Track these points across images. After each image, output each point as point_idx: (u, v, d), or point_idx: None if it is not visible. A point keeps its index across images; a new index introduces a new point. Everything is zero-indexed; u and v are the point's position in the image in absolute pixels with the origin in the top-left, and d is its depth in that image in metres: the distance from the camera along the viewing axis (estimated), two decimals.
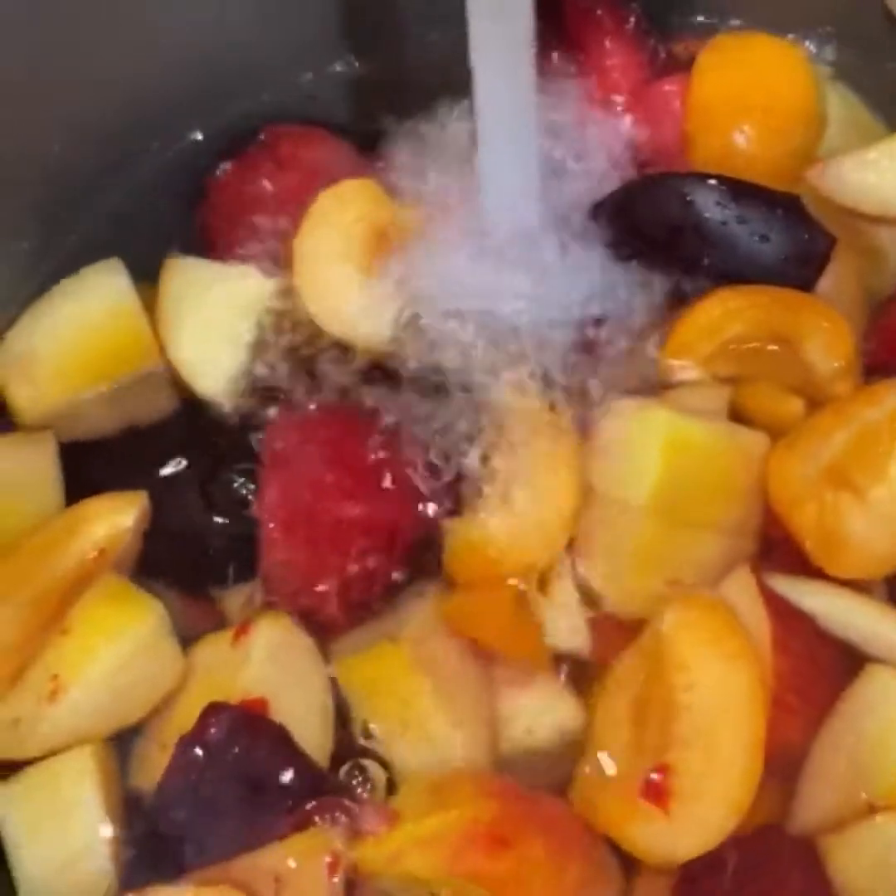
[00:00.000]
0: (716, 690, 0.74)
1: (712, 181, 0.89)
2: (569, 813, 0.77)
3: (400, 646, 0.80)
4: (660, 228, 0.90)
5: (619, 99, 1.01)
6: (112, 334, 0.93)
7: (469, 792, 0.75)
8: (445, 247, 0.92)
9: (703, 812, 0.73)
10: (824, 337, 0.86)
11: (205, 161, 1.02)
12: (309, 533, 0.83)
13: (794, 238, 0.88)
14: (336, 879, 0.74)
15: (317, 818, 0.76)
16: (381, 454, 0.86)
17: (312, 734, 0.80)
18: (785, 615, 0.79)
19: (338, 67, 1.08)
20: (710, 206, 0.88)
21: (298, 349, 0.92)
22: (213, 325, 0.92)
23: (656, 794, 0.73)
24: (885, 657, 0.79)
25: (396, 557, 0.84)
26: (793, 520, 0.82)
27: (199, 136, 1.04)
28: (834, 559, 0.81)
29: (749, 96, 0.98)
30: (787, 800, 0.78)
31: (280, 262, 0.95)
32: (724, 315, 0.87)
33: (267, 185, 0.99)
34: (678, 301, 0.90)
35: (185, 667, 0.82)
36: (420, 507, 0.85)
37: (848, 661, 0.80)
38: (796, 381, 0.88)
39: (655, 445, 0.81)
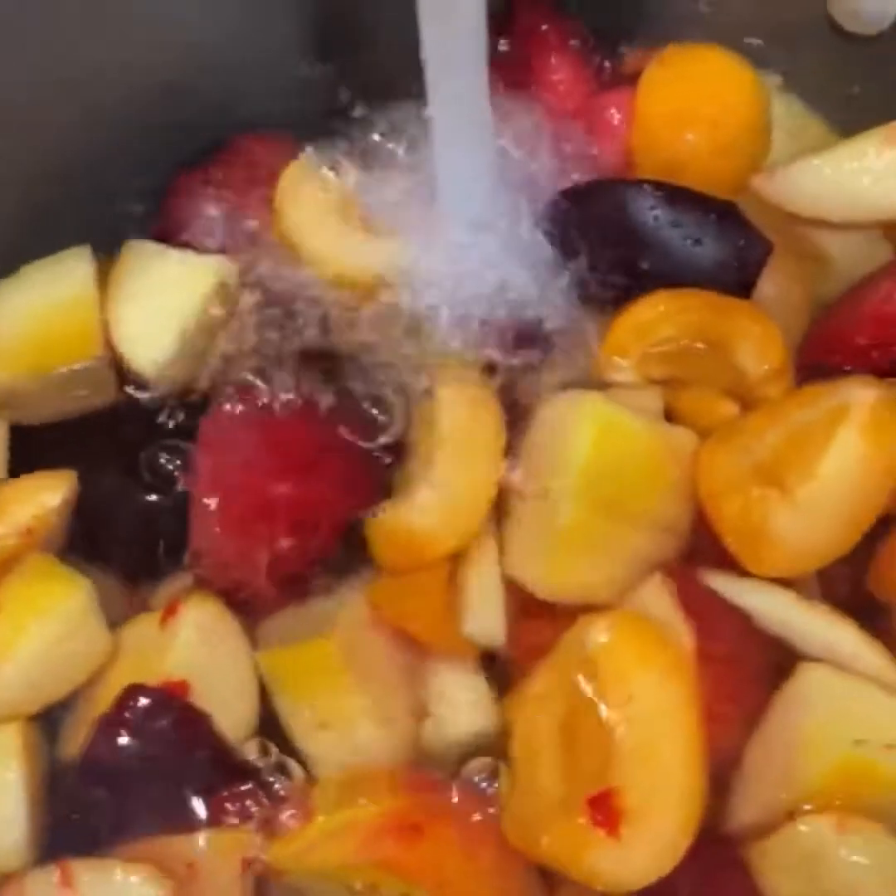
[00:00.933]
0: (652, 705, 0.74)
1: (647, 187, 0.91)
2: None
3: (330, 641, 0.80)
4: (599, 233, 0.91)
5: (564, 113, 1.01)
6: (64, 322, 0.94)
7: (382, 786, 0.76)
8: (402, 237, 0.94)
9: (656, 833, 0.72)
10: (755, 341, 0.87)
11: (170, 169, 1.02)
12: (240, 508, 0.84)
13: (729, 243, 0.89)
14: (247, 876, 0.76)
15: (229, 806, 0.77)
16: (316, 435, 0.87)
17: (234, 719, 0.81)
18: (709, 618, 0.79)
19: (301, 71, 1.08)
20: (644, 211, 0.89)
21: (240, 334, 0.93)
22: (156, 304, 0.92)
23: (605, 818, 0.72)
24: (818, 654, 0.79)
25: (327, 537, 0.85)
26: (716, 514, 0.82)
27: (165, 144, 1.03)
28: (755, 556, 0.81)
29: (696, 109, 0.98)
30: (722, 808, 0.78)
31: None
32: (656, 318, 0.88)
33: (232, 192, 1.00)
34: (620, 303, 0.91)
35: (114, 645, 0.83)
36: (353, 489, 0.86)
37: (780, 659, 0.80)
38: (729, 384, 0.88)
39: (586, 430, 0.81)
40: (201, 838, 0.75)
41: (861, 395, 0.80)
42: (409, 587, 0.84)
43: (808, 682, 0.78)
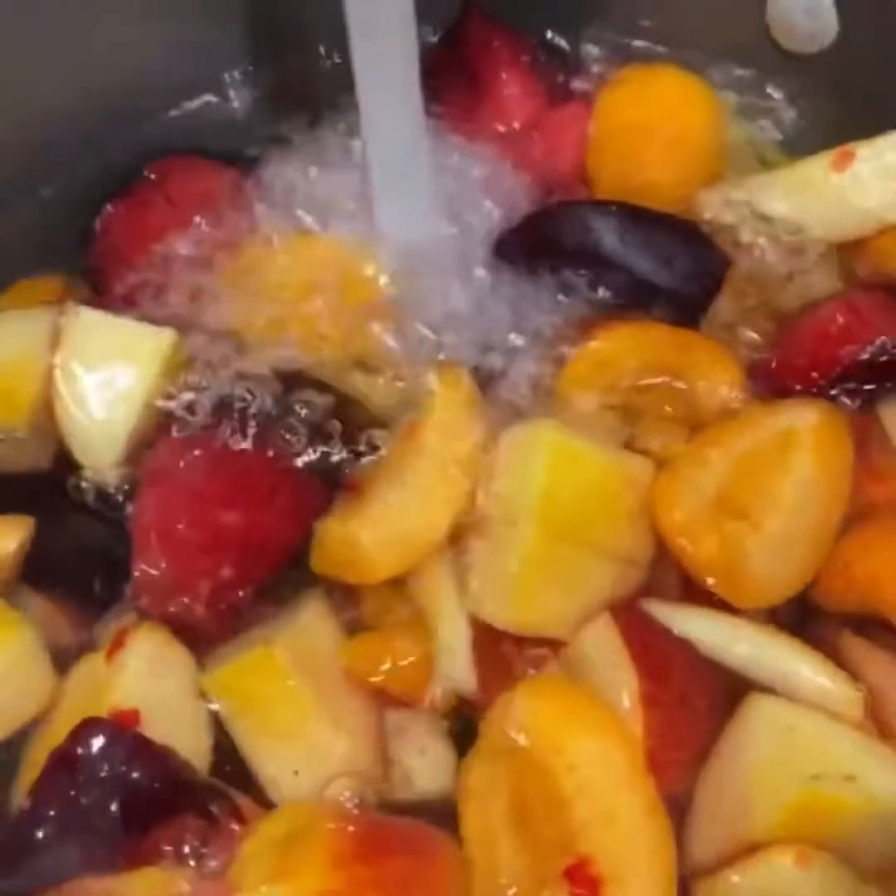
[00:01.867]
0: (597, 768, 0.73)
1: (612, 208, 0.91)
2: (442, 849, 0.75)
3: (274, 649, 0.79)
4: (564, 256, 0.91)
5: (516, 129, 1.02)
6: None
7: (318, 857, 0.71)
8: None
9: (640, 892, 0.71)
10: (710, 371, 0.88)
11: (92, 200, 1.00)
12: (181, 539, 0.83)
13: (692, 260, 0.90)
14: None
15: (164, 846, 0.75)
16: (263, 465, 0.86)
17: (188, 750, 0.79)
18: (657, 656, 0.78)
19: (214, 98, 1.08)
20: (609, 232, 0.90)
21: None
22: (107, 398, 0.89)
23: (586, 889, 0.70)
24: (768, 681, 0.78)
25: (271, 566, 0.85)
26: (691, 553, 0.82)
27: (84, 175, 1.02)
28: (738, 591, 0.81)
29: (652, 127, 0.99)
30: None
31: (170, 299, 0.94)
32: (615, 352, 0.89)
33: (155, 220, 0.98)
34: (582, 327, 0.91)
35: (57, 685, 0.82)
36: (300, 518, 0.85)
37: (730, 690, 0.79)
38: (688, 413, 0.89)
39: (541, 456, 0.81)
40: (131, 878, 0.73)
41: (805, 418, 0.81)
42: (380, 645, 0.82)
43: (757, 716, 0.76)
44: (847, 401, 0.88)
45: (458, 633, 0.81)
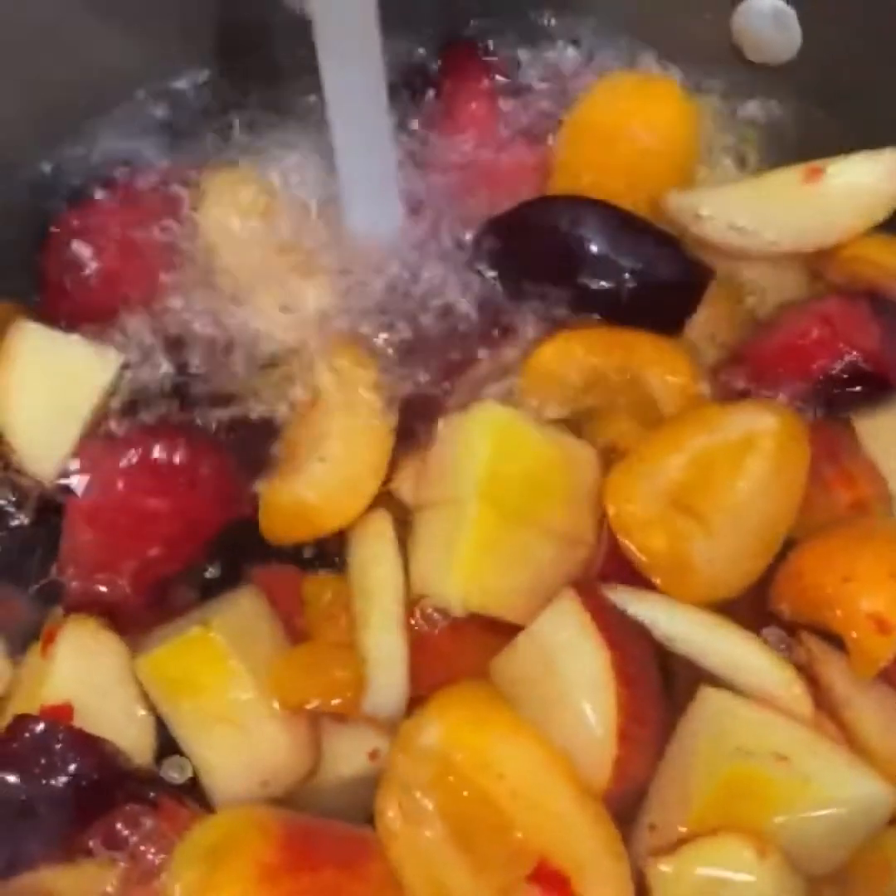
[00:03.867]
0: (525, 765, 0.73)
1: (604, 208, 0.90)
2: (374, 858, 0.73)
3: (210, 630, 0.78)
4: (547, 250, 0.90)
5: (482, 146, 1.01)
6: None
7: (245, 870, 0.70)
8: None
9: (605, 874, 0.70)
10: (659, 369, 0.87)
11: (48, 203, 0.99)
12: (110, 520, 0.84)
13: (676, 269, 0.90)
14: None
15: (92, 843, 0.75)
16: (193, 450, 0.87)
17: (127, 739, 0.79)
18: (618, 635, 0.76)
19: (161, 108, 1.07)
20: (596, 231, 0.89)
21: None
22: (53, 409, 0.89)
23: (555, 887, 0.70)
24: (720, 670, 0.77)
25: (199, 548, 0.86)
26: (640, 546, 0.81)
27: (43, 176, 1.02)
28: (684, 586, 0.80)
29: (629, 133, 0.97)
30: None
31: (120, 306, 0.93)
32: (571, 352, 0.88)
33: (107, 225, 0.97)
34: (544, 327, 0.91)
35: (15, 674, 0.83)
36: (227, 502, 0.87)
37: (682, 680, 0.79)
38: (643, 412, 0.88)
39: (483, 434, 0.81)
40: (61, 874, 0.73)
41: (764, 422, 0.81)
42: (309, 666, 0.80)
43: (704, 708, 0.76)
44: (818, 407, 0.87)
45: (392, 655, 0.79)
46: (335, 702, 0.78)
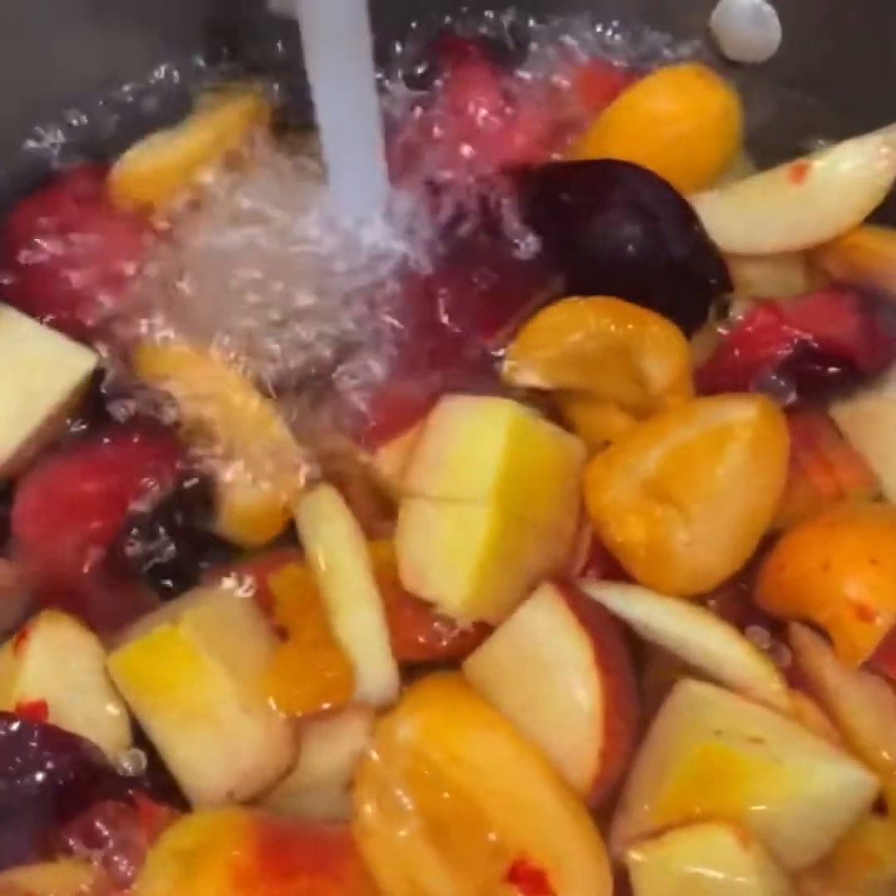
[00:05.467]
0: (501, 761, 0.72)
1: (667, 187, 0.91)
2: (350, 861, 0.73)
3: (179, 626, 0.76)
4: (599, 211, 0.90)
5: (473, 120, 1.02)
6: None
7: (219, 877, 0.69)
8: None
9: (582, 871, 0.70)
10: (660, 349, 0.86)
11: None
12: (54, 510, 0.85)
13: (711, 270, 0.91)
14: None
15: (71, 841, 0.74)
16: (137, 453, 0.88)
17: (102, 736, 0.77)
18: (596, 627, 0.76)
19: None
20: (658, 205, 0.90)
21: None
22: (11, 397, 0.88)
23: (533, 885, 0.69)
24: (700, 661, 0.77)
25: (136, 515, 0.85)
26: (619, 537, 0.80)
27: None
28: (663, 576, 0.79)
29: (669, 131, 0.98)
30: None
31: (76, 304, 0.93)
32: (567, 321, 0.87)
33: (62, 222, 0.97)
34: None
35: None
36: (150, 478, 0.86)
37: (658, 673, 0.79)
38: (632, 396, 0.87)
39: (500, 436, 0.79)
40: (38, 873, 0.72)
41: (743, 412, 0.81)
42: (297, 675, 0.78)
43: (680, 699, 0.76)
44: (792, 394, 0.87)
45: (373, 642, 0.78)
46: (326, 705, 0.77)
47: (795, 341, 0.88)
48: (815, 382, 0.88)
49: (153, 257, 0.95)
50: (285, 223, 0.94)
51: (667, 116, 0.98)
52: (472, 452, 0.80)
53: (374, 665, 0.77)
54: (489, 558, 0.77)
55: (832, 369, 0.88)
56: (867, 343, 0.88)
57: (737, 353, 0.90)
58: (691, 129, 0.98)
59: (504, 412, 0.81)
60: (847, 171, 0.93)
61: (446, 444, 0.82)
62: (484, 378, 0.87)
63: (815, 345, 0.87)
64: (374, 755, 0.74)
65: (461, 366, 0.88)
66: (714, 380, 0.89)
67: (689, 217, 0.92)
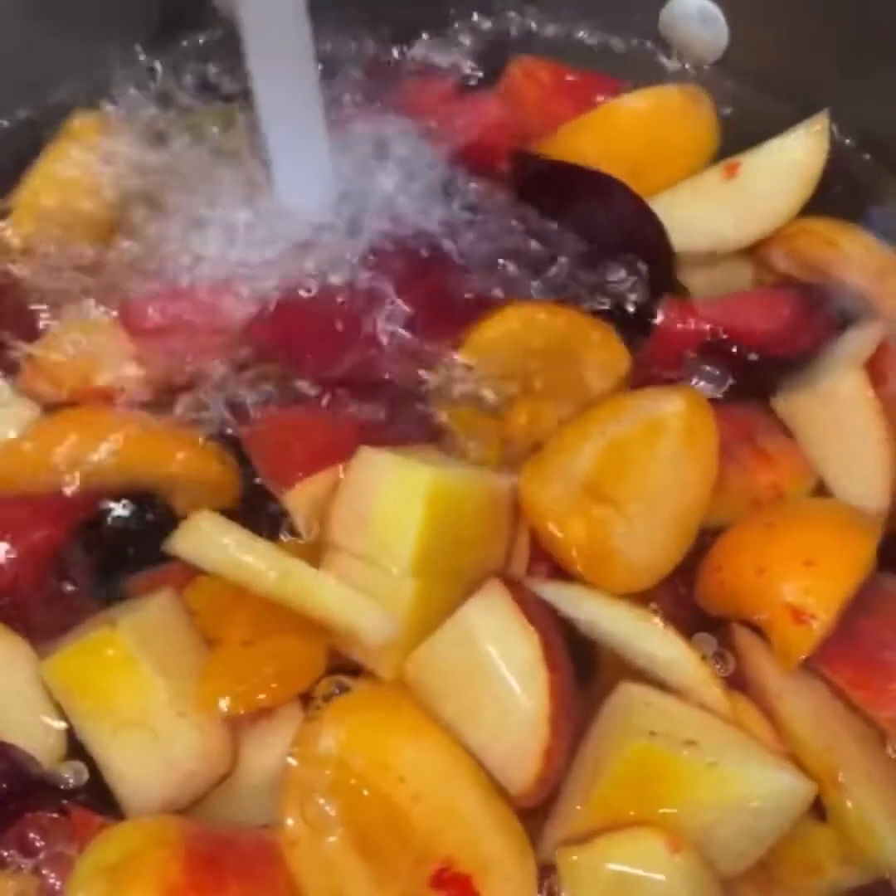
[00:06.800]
0: (426, 767, 0.72)
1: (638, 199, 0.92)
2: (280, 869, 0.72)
3: (115, 631, 0.75)
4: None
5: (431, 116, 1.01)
6: None
7: (147, 889, 0.67)
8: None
9: (506, 877, 0.69)
10: (601, 356, 0.87)
11: None
12: None
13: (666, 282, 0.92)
14: None
15: (8, 849, 0.73)
16: None
17: (34, 741, 0.76)
18: (541, 623, 0.75)
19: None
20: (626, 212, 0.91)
21: None
22: None
23: (459, 890, 0.69)
24: (642, 662, 0.77)
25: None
26: (558, 538, 0.80)
27: None
28: (604, 574, 0.79)
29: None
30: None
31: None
32: (519, 323, 0.87)
33: None
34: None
35: None
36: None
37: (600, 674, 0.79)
38: (574, 399, 0.87)
39: (419, 506, 0.75)
40: None
41: (671, 404, 0.81)
42: (237, 675, 0.77)
43: (624, 696, 0.76)
44: (730, 384, 0.88)
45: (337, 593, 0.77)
46: (262, 696, 0.76)
47: (707, 334, 0.88)
48: (736, 371, 0.88)
49: None
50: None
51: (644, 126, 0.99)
52: (391, 517, 0.77)
53: (364, 610, 0.75)
54: (417, 623, 0.76)
55: (752, 357, 0.87)
56: (790, 333, 0.88)
57: (655, 349, 0.89)
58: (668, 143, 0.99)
59: (422, 479, 0.76)
60: (776, 163, 0.95)
61: (366, 501, 0.78)
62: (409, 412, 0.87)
63: (725, 336, 0.88)
64: (298, 762, 0.73)
65: (387, 401, 0.87)
66: (637, 375, 0.89)
67: (656, 226, 0.91)
